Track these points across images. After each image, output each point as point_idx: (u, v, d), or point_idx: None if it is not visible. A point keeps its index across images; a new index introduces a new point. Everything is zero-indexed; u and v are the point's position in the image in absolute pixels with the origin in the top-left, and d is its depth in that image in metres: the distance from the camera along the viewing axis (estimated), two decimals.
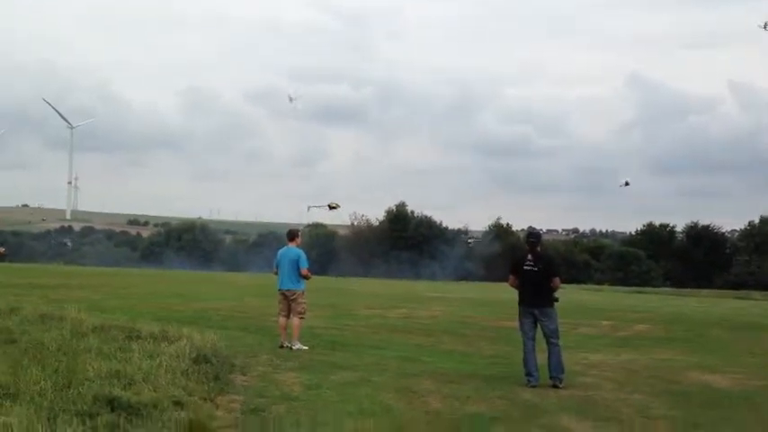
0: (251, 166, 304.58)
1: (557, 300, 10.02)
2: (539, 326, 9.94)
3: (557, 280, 9.92)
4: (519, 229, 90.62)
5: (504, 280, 10.84)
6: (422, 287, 40.76)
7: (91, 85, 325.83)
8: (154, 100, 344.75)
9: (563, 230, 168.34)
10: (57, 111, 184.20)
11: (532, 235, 10.47)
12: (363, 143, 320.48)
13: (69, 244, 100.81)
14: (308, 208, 72.22)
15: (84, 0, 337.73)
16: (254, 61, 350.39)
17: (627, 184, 65.91)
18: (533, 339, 9.91)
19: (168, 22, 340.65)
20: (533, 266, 9.87)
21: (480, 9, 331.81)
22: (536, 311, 9.89)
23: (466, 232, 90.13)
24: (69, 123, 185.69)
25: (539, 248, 10.07)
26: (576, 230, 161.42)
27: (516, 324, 10.30)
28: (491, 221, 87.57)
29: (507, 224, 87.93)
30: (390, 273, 68.68)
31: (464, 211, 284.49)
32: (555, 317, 9.95)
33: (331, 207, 60.04)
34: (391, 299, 27.18)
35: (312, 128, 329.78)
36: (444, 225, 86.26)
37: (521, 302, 10.07)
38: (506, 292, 12.61)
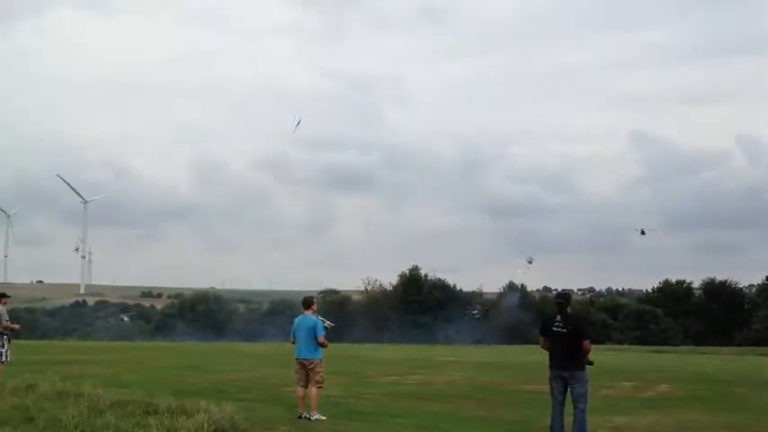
0: (261, 234, 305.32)
1: (591, 363, 9.75)
2: (568, 390, 9.70)
3: (587, 343, 9.61)
4: (534, 289, 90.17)
5: (522, 342, 10.73)
6: (438, 352, 40.35)
7: (102, 159, 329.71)
8: (163, 172, 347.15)
9: (578, 290, 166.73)
10: (70, 186, 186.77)
11: (561, 296, 10.24)
12: (374, 208, 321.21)
13: (126, 319, 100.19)
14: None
15: (92, 75, 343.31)
16: (261, 129, 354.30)
17: (643, 232, 65.62)
18: (563, 404, 9.67)
19: (172, 93, 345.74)
20: (562, 328, 9.64)
21: (480, 71, 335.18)
22: (566, 374, 9.64)
23: (480, 294, 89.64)
24: (82, 198, 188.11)
25: (568, 309, 9.89)
26: (591, 289, 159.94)
27: (536, 388, 10.16)
28: (505, 283, 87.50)
29: (522, 285, 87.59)
30: (405, 338, 68.11)
31: (477, 272, 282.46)
32: (585, 381, 9.67)
33: (325, 327, 59.69)
34: (408, 365, 26.90)
35: (322, 194, 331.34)
36: (459, 288, 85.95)
37: (550, 365, 9.84)
38: (526, 356, 12.48)
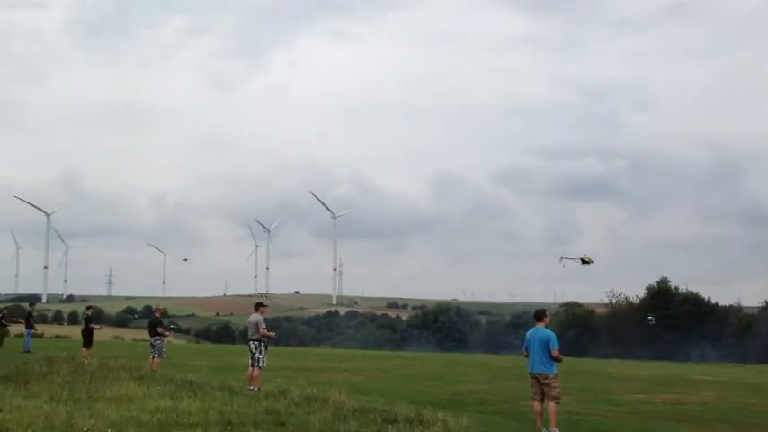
0: (502, 246, 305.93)
1: None
2: None
3: None
4: None
5: None
6: (691, 370, 37.65)
7: (349, 176, 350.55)
8: (405, 187, 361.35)
9: None
10: (321, 202, 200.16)
11: None
12: (617, 217, 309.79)
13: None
14: (561, 259, 69.39)
15: (339, 98, 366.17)
16: (499, 142, 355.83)
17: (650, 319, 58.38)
18: None
19: (413, 111, 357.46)
20: None
21: (733, 69, 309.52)
22: None
23: (739, 309, 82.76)
24: (332, 213, 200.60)
25: None
26: None
27: None
28: None
29: None
30: (653, 354, 64.47)
31: (735, 285, 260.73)
32: None
33: (584, 261, 57.43)
34: (656, 383, 25.36)
35: (561, 204, 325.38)
36: (714, 301, 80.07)
37: None
38: None
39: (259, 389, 15.45)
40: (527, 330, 12.21)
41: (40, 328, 44.35)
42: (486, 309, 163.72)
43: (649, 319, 70.66)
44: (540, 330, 11.80)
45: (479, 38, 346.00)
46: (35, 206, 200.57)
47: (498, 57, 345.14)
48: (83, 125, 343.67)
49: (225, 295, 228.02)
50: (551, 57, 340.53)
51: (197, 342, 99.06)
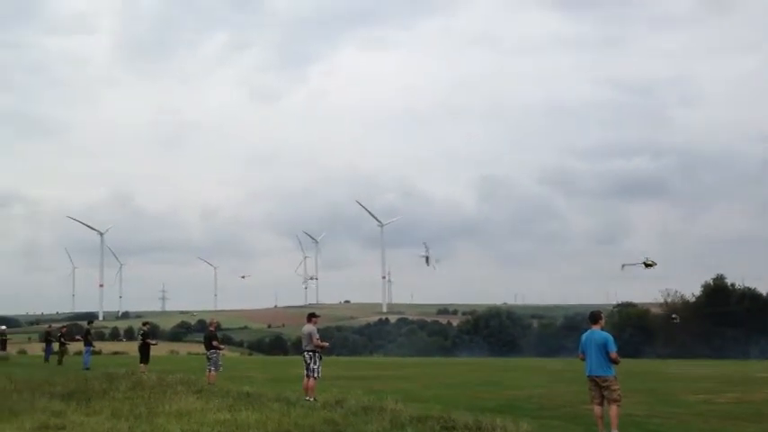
0: (552, 247, 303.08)
1: None
2: None
3: None
4: None
5: None
6: (752, 367, 36.71)
7: (393, 184, 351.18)
8: (451, 192, 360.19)
9: None
10: (368, 211, 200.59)
11: None
12: (669, 215, 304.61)
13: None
14: (623, 266, 68.54)
15: (378, 106, 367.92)
16: (544, 144, 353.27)
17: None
18: None
19: (455, 116, 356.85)
20: None
21: None
22: None
23: None
24: (379, 222, 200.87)
25: None
26: None
27: None
28: None
29: None
30: (713, 353, 63.06)
31: None
32: None
33: (647, 265, 56.61)
34: (718, 382, 24.78)
35: (611, 204, 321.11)
36: None
37: None
38: None
39: (315, 399, 15.47)
40: (581, 333, 11.99)
41: (97, 345, 45.24)
42: (537, 312, 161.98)
43: (673, 318, 69.43)
44: (597, 333, 11.57)
45: (518, 39, 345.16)
46: (88, 225, 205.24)
47: (538, 57, 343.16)
48: (132, 144, 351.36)
49: (276, 307, 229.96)
50: (593, 56, 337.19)
51: (250, 354, 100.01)
